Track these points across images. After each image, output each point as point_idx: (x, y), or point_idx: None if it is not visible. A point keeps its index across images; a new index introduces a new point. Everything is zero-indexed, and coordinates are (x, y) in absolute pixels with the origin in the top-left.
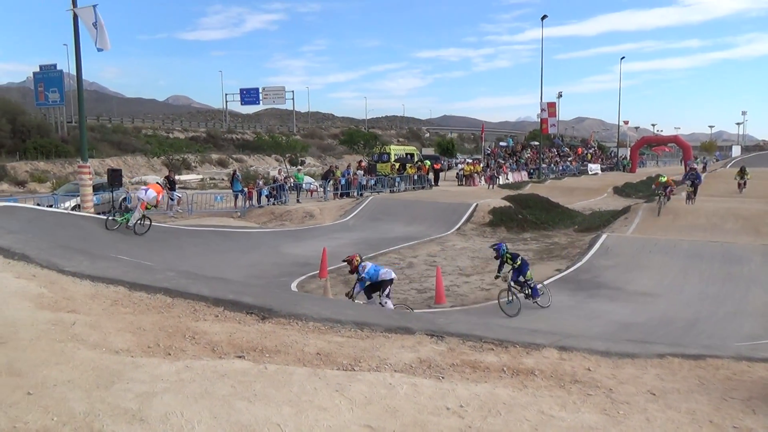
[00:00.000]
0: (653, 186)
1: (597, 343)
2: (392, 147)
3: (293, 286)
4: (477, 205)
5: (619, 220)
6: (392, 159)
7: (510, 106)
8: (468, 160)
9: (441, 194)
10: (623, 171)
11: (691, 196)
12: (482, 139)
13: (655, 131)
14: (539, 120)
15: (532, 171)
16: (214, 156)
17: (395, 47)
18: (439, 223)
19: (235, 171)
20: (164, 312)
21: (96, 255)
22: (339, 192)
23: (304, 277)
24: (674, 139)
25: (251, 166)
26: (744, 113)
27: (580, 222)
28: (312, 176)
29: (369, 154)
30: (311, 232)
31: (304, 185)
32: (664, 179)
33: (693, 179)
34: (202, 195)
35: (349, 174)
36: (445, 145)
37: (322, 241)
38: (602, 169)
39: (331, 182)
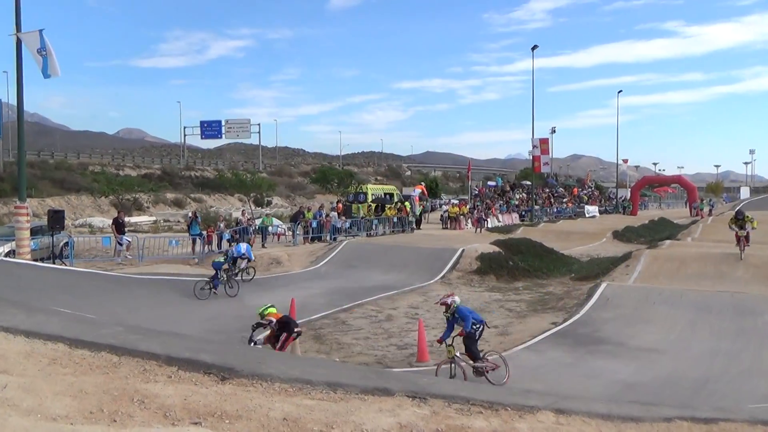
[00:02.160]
0: (732, 226)
1: (598, 406)
2: (369, 186)
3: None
4: (463, 251)
5: (619, 268)
6: (369, 199)
7: (499, 142)
8: (453, 201)
9: (423, 238)
10: (623, 213)
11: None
12: (469, 177)
13: (657, 171)
14: (531, 157)
15: (523, 213)
16: (170, 195)
17: (374, 77)
18: (421, 270)
19: (194, 212)
20: (109, 372)
21: (32, 308)
22: (310, 236)
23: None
24: (677, 180)
25: (211, 207)
26: (752, 152)
27: (577, 270)
28: (280, 218)
29: (344, 193)
30: (278, 280)
31: (270, 228)
32: (753, 222)
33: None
34: (155, 239)
35: (321, 216)
36: (429, 184)
37: (291, 291)
38: (600, 212)
39: (301, 225)
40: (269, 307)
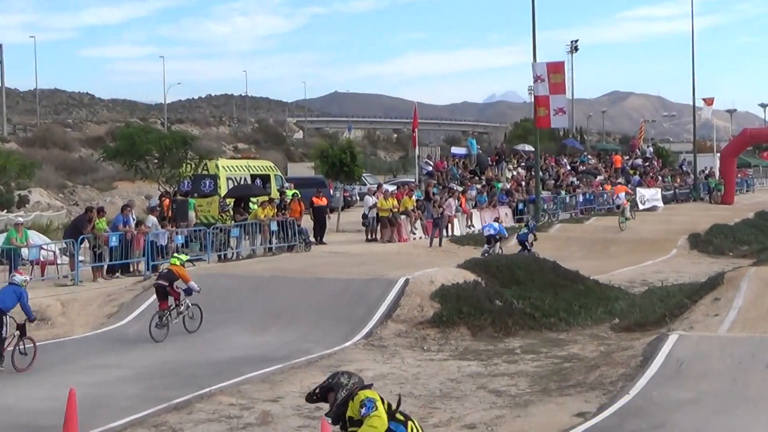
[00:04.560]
0: None
1: None
2: (223, 163)
3: None
4: (407, 283)
5: (702, 304)
6: (223, 189)
7: (472, 72)
8: (388, 187)
9: (331, 262)
10: (709, 201)
11: None
12: (414, 141)
13: None
14: (532, 100)
15: (522, 206)
16: None
17: None
18: (326, 323)
19: None
20: None
21: None
22: (105, 264)
23: None
24: None
25: None
26: None
27: (623, 310)
28: (44, 231)
29: (173, 178)
30: (44, 354)
31: (25, 252)
32: None
33: None
34: None
35: (128, 224)
36: (334, 155)
37: (69, 375)
38: (666, 198)
39: (88, 243)
40: None
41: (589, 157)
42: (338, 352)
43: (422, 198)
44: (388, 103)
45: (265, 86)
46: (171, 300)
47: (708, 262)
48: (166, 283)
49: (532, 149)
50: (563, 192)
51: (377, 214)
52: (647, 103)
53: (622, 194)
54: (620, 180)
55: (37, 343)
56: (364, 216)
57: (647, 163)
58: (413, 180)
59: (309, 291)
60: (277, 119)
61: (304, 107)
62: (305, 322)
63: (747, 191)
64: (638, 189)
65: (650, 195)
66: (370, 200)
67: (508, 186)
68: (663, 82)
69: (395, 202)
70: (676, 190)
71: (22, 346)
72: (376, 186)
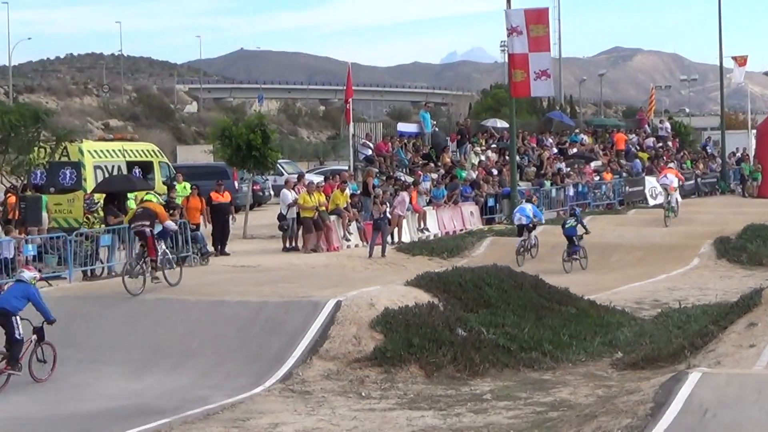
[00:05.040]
0: None
1: None
2: (88, 146)
3: None
4: (339, 306)
5: (734, 332)
6: (88, 181)
7: (426, 22)
8: (313, 178)
9: (236, 279)
10: (743, 193)
11: None
12: (348, 114)
13: None
14: (505, 60)
15: (491, 204)
16: None
17: None
18: (231, 361)
19: None
20: None
21: None
22: None
23: None
24: None
25: None
26: None
27: (628, 340)
28: None
29: (18, 167)
30: None
31: None
32: None
33: None
34: None
35: None
36: (240, 135)
37: None
38: (686, 190)
39: None
40: None
41: (583, 135)
42: (246, 400)
43: (359, 192)
44: (311, 65)
45: (147, 42)
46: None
47: (740, 276)
48: (147, 223)
49: (507, 126)
50: (548, 183)
51: (298, 214)
52: (659, 64)
53: (671, 177)
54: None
55: (57, 350)
56: (281, 217)
57: (660, 144)
58: (347, 168)
59: (206, 318)
60: (162, 87)
61: (198, 70)
62: (201, 360)
63: None
64: (647, 178)
65: (668, 183)
66: (289, 196)
67: (474, 175)
68: (680, 35)
69: (322, 198)
70: (699, 180)
71: (40, 353)
72: (296, 176)
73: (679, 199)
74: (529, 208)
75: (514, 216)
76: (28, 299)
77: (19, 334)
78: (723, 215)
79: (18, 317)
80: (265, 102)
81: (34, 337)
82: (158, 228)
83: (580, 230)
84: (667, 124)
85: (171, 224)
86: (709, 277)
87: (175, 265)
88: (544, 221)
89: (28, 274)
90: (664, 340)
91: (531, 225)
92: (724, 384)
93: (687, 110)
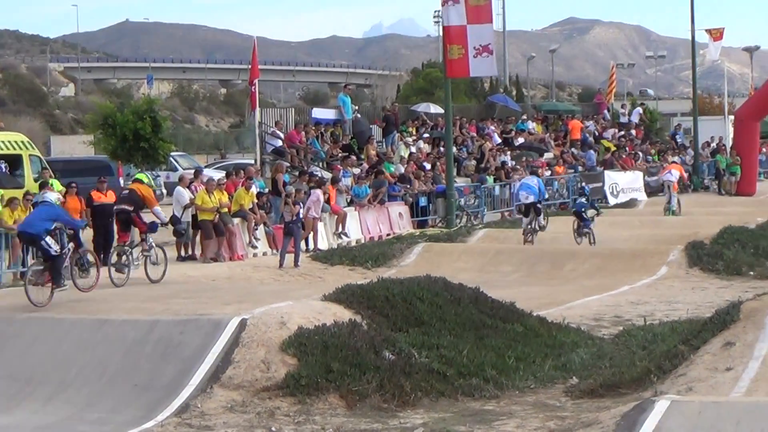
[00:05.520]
0: None
1: None
2: None
3: None
4: (244, 325)
5: (708, 352)
6: None
7: None
8: (212, 174)
9: (123, 294)
10: (718, 190)
11: None
12: (254, 98)
13: None
14: (439, 33)
15: (423, 204)
16: None
17: None
18: (116, 391)
19: None
20: None
21: None
22: None
23: None
24: None
25: None
26: None
27: (585, 364)
28: None
29: None
30: None
31: None
32: None
33: None
34: None
35: None
36: (125, 123)
37: None
38: (652, 187)
39: None
40: None
41: (531, 123)
42: None
43: (267, 191)
44: (210, 40)
45: (12, 12)
46: (134, 233)
47: (716, 287)
48: (130, 208)
49: (441, 111)
50: (490, 179)
51: (195, 216)
52: (621, 38)
53: (675, 173)
54: (571, 152)
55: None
56: (176, 220)
57: (622, 133)
58: (252, 162)
59: (88, 340)
60: (32, 65)
61: (76, 46)
62: (82, 389)
63: None
64: (607, 173)
65: (626, 183)
66: (185, 195)
67: (404, 170)
68: (645, 4)
69: (224, 198)
70: (673, 176)
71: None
72: (193, 172)
73: (681, 200)
74: (534, 182)
75: (518, 195)
76: (55, 219)
77: (55, 251)
78: (696, 216)
79: (48, 238)
80: (156, 84)
81: (71, 245)
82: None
83: (591, 213)
84: (640, 110)
85: (160, 212)
86: (679, 288)
87: (161, 260)
88: (546, 197)
89: (51, 195)
90: (626, 363)
91: (538, 203)
92: (696, 414)
93: (650, 92)
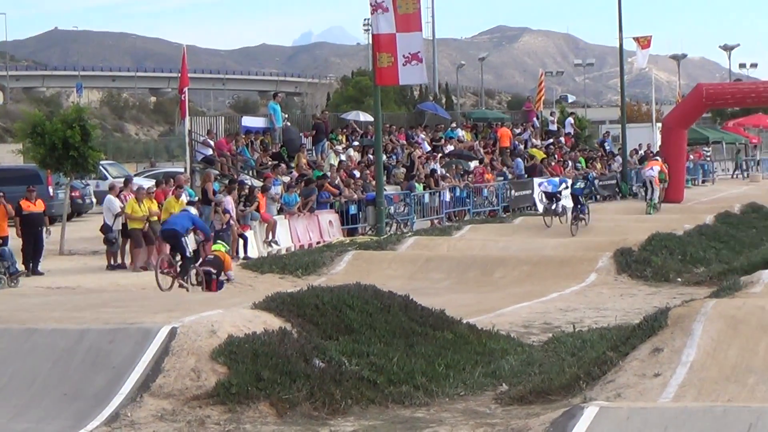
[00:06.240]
0: None
1: None
2: None
3: None
4: (174, 334)
5: (636, 358)
6: None
7: None
8: (142, 183)
9: (51, 303)
10: (645, 200)
11: None
12: (184, 107)
13: (737, 72)
14: (369, 41)
15: (353, 212)
16: None
17: None
18: (45, 400)
19: None
20: None
21: None
22: None
23: None
24: None
25: None
26: None
27: (514, 371)
28: None
29: None
30: None
31: None
32: None
33: None
34: None
35: None
36: (54, 132)
37: None
38: (578, 192)
39: None
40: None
41: (461, 131)
42: None
43: (197, 199)
44: (139, 48)
45: None
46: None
47: (644, 294)
48: (215, 272)
49: (371, 119)
50: (420, 187)
51: (125, 225)
52: (550, 46)
53: (655, 169)
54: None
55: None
56: (107, 228)
57: (551, 140)
58: (182, 170)
59: (16, 350)
60: None
61: (4, 54)
62: (9, 400)
63: (704, 182)
64: (536, 181)
65: (554, 187)
66: (116, 203)
67: (329, 173)
68: (574, 12)
69: (154, 207)
70: (593, 184)
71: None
72: (123, 181)
73: (657, 202)
74: (556, 180)
75: (540, 185)
76: (193, 222)
77: (189, 252)
78: (624, 223)
79: (186, 238)
80: (85, 92)
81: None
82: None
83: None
84: (571, 119)
85: (232, 275)
86: (607, 295)
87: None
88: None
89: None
90: (555, 369)
91: (559, 194)
92: (624, 419)
93: (570, 98)
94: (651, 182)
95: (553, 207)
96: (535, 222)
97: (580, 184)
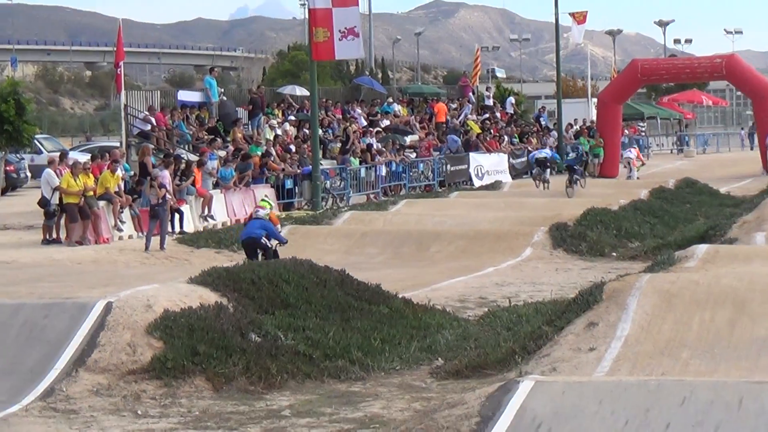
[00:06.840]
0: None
1: None
2: None
3: None
4: (110, 308)
5: (571, 333)
6: None
7: None
8: (78, 157)
9: None
10: (583, 173)
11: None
12: (119, 81)
13: (673, 47)
14: (305, 16)
15: (289, 185)
16: None
17: None
18: None
19: None
20: None
21: None
22: None
23: None
24: (728, 70)
25: None
26: None
27: (450, 345)
28: None
29: None
30: None
31: None
32: None
33: None
34: None
35: None
36: None
37: None
38: (516, 169)
39: None
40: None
41: (396, 105)
42: None
43: (133, 174)
44: (75, 22)
45: None
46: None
47: (579, 268)
48: (263, 233)
49: (307, 94)
50: (355, 161)
51: (61, 199)
52: (486, 21)
53: (633, 152)
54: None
55: None
56: (45, 201)
57: (486, 115)
58: (118, 145)
59: None
60: None
61: None
62: None
63: (638, 159)
64: (472, 155)
65: (491, 165)
66: (54, 177)
67: (265, 151)
68: None
69: (90, 181)
70: (528, 157)
71: None
72: (58, 155)
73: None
74: (548, 150)
75: (531, 156)
76: (265, 229)
77: (269, 245)
78: (559, 198)
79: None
80: (20, 66)
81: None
82: None
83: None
84: (512, 99)
85: (282, 237)
86: (543, 269)
87: None
88: (559, 160)
89: (263, 212)
90: (491, 344)
91: (550, 162)
92: (560, 393)
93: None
94: (630, 163)
95: (543, 174)
96: (470, 196)
97: (572, 155)
